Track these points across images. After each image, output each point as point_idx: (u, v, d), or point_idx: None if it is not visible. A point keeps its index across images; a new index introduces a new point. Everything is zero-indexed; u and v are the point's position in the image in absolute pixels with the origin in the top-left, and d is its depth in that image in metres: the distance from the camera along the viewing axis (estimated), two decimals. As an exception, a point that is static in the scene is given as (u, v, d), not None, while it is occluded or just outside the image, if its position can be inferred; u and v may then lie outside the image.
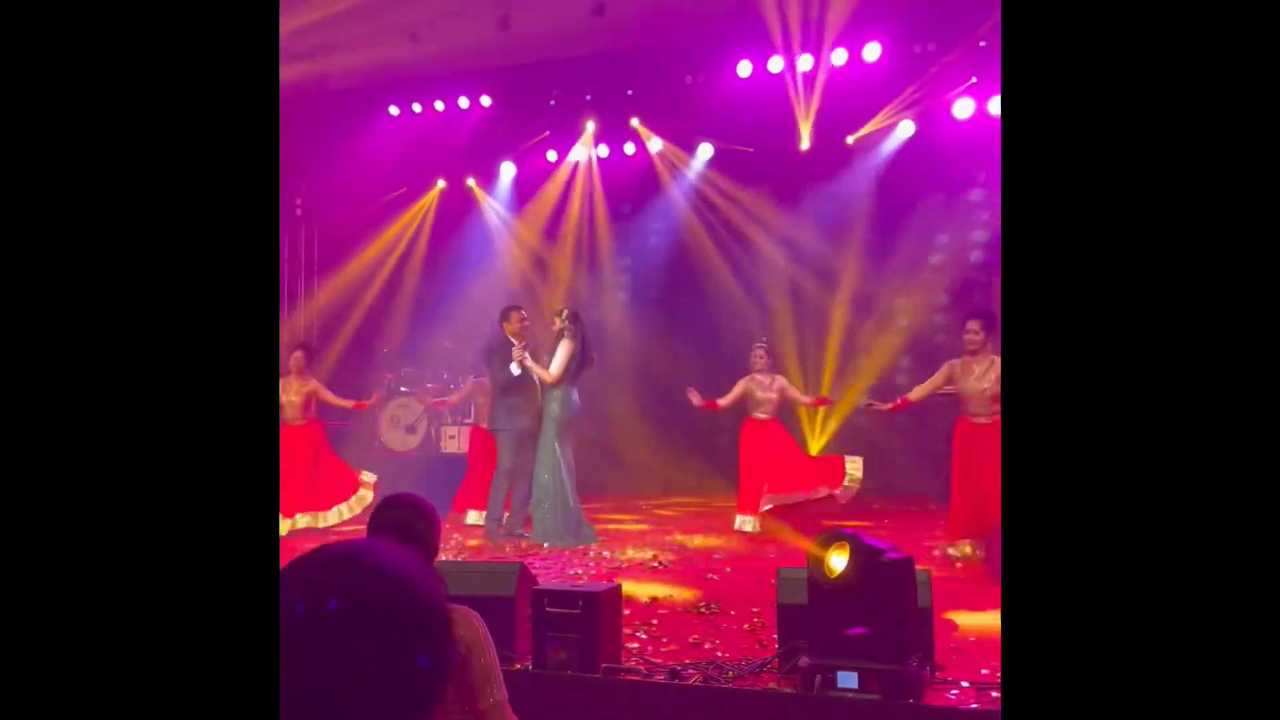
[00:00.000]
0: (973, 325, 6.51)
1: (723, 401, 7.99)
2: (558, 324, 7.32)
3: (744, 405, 7.97)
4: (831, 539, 3.52)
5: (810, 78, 9.43)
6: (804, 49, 9.34)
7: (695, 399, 7.94)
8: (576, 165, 10.92)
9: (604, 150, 10.78)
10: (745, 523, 7.67)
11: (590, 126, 10.50)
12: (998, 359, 6.45)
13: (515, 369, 7.27)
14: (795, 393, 8.01)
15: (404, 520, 2.42)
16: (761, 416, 7.88)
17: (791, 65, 9.41)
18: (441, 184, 11.20)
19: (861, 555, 3.40)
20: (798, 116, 9.59)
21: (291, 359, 8.03)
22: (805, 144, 9.70)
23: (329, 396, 8.32)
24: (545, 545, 7.02)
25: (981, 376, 6.44)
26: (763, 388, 7.87)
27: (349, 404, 8.53)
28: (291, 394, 7.94)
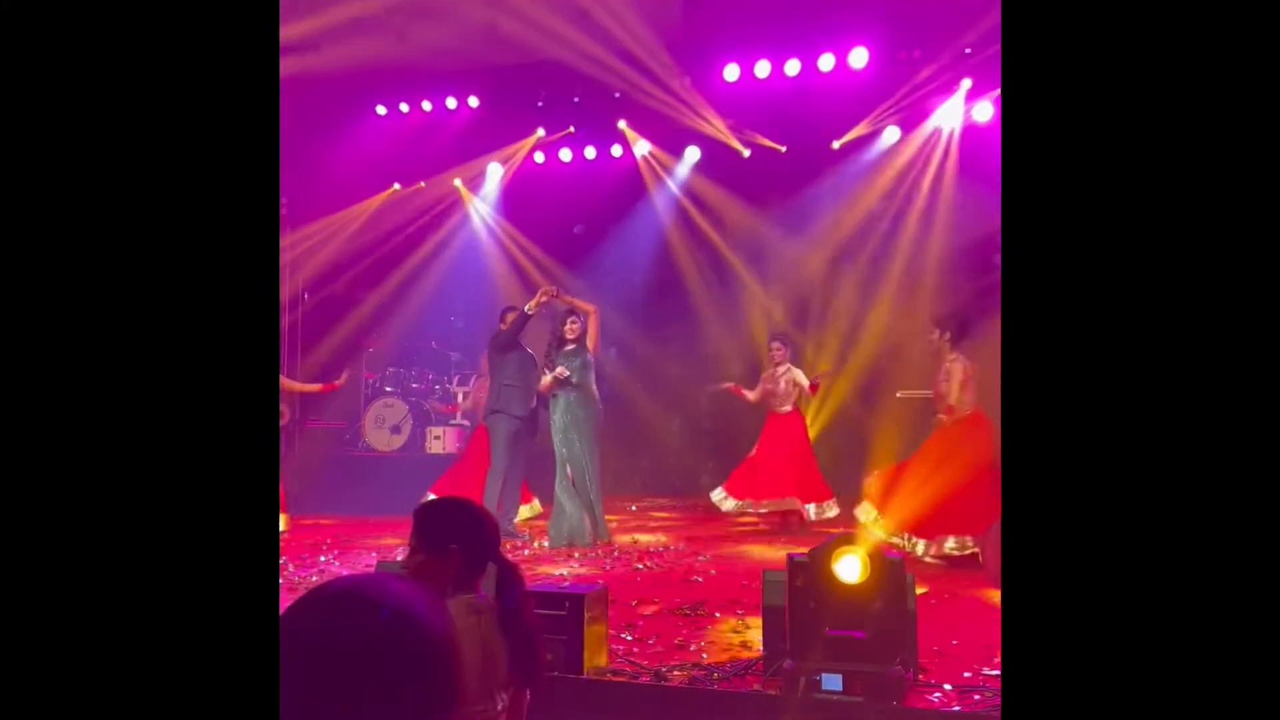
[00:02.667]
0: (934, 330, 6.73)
1: (750, 395, 8.16)
2: (576, 332, 7.36)
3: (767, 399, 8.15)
4: (842, 541, 3.50)
5: (797, 83, 9.48)
6: (791, 54, 9.39)
7: (729, 387, 8.27)
8: (565, 166, 10.93)
9: (591, 152, 10.79)
10: (724, 501, 7.86)
11: (570, 129, 10.53)
12: (951, 363, 6.54)
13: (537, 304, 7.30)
14: (799, 377, 8.04)
15: (460, 526, 2.35)
16: (781, 410, 7.99)
17: (779, 70, 9.47)
18: (421, 184, 11.20)
19: (879, 559, 3.40)
20: (792, 119, 9.64)
21: None
22: (783, 148, 9.77)
23: (295, 385, 8.45)
24: (546, 545, 7.10)
25: (945, 378, 6.57)
26: (772, 381, 7.99)
27: (316, 387, 8.65)
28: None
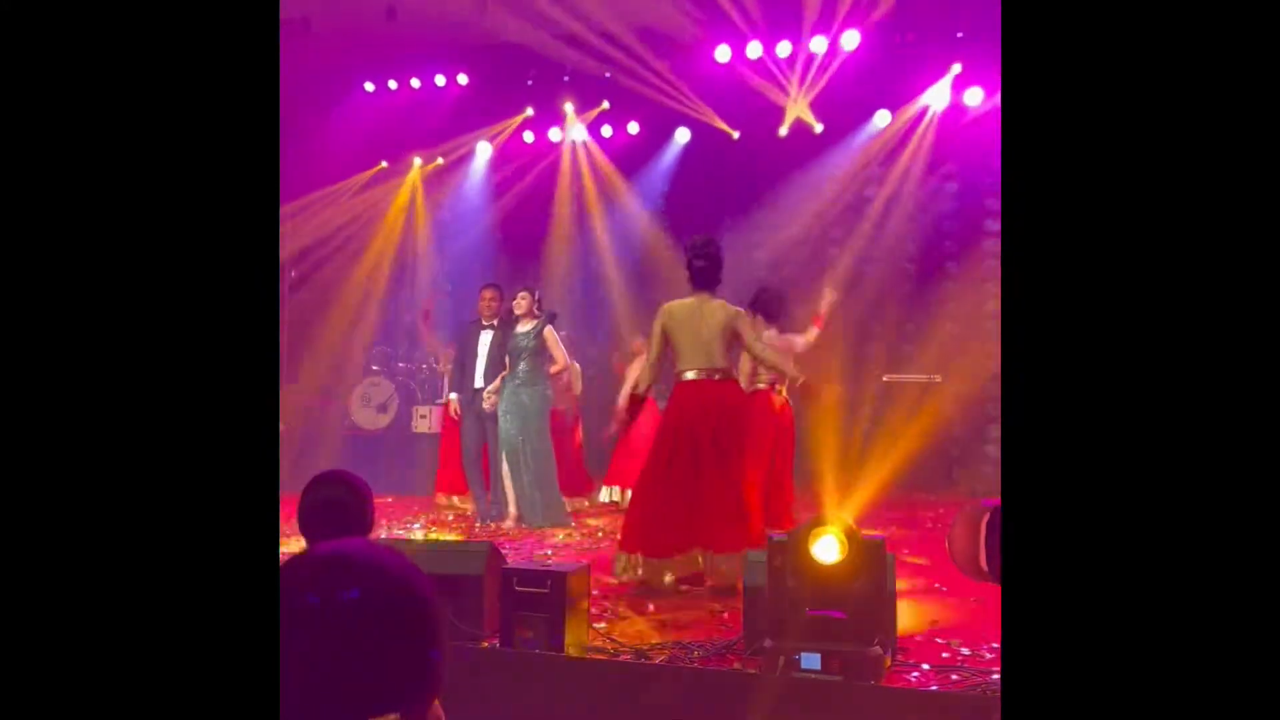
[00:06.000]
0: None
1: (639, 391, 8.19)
2: (525, 305, 7.21)
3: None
4: (819, 522, 3.52)
5: (790, 64, 9.45)
6: (783, 36, 9.36)
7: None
8: (552, 146, 10.89)
9: (582, 133, 10.76)
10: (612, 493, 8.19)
11: (569, 108, 10.48)
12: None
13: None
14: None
15: (338, 498, 2.40)
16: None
17: (770, 51, 9.44)
18: (418, 161, 11.16)
19: (855, 541, 3.43)
20: (783, 103, 9.58)
21: None
22: (784, 130, 9.74)
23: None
24: (508, 524, 7.11)
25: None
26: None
27: None
28: None
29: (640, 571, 4.87)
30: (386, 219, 11.24)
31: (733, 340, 5.12)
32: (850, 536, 3.41)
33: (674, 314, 5.11)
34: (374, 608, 1.06)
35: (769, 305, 6.36)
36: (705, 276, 5.14)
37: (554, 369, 7.26)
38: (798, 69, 9.41)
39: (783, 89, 9.55)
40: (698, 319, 5.05)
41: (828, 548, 3.41)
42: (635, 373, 7.59)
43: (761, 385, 6.24)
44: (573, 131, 10.67)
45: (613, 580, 5.04)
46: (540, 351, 7.17)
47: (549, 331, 7.18)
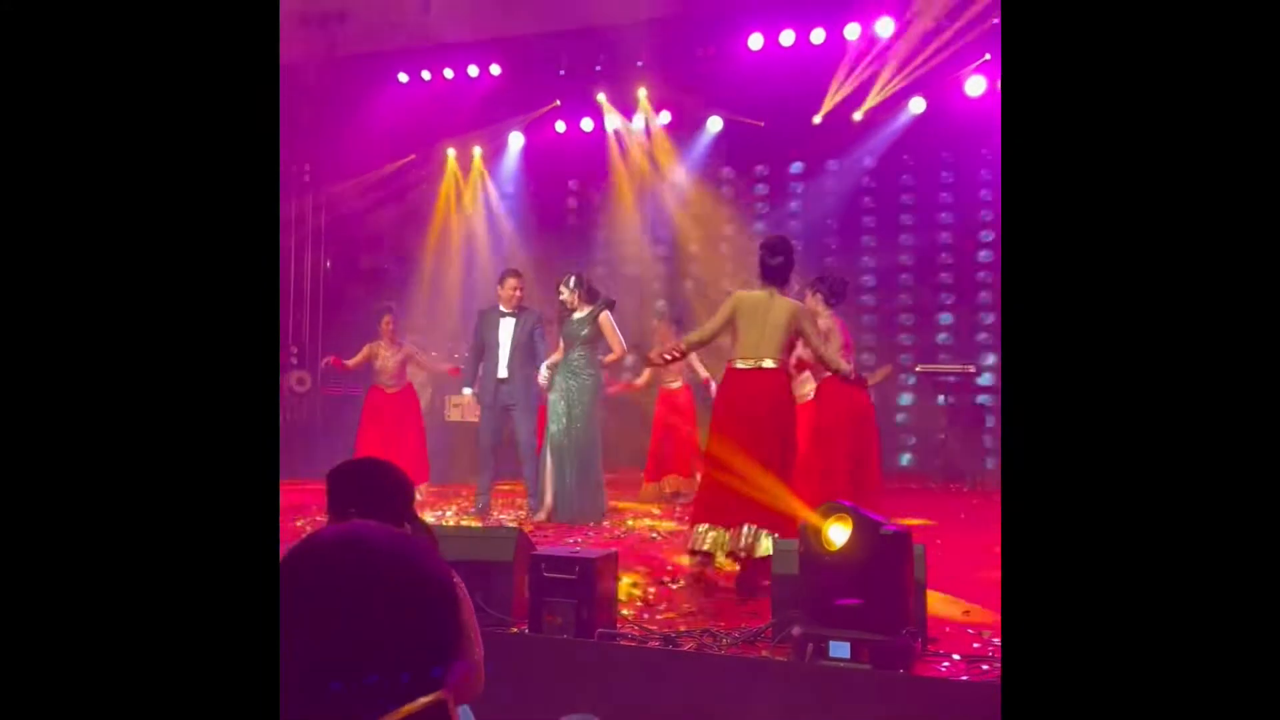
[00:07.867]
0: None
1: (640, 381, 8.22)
2: (566, 294, 7.00)
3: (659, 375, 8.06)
4: (831, 510, 3.57)
5: (823, 52, 9.37)
6: (818, 23, 9.28)
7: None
8: (588, 136, 10.89)
9: (616, 120, 10.74)
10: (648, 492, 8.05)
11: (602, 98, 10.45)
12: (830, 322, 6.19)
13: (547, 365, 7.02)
14: (697, 364, 7.83)
15: (387, 487, 2.37)
16: (671, 386, 8.14)
17: (805, 39, 9.36)
18: (451, 152, 11.21)
19: (863, 528, 3.44)
20: (818, 89, 9.48)
21: (382, 323, 8.13)
22: (818, 118, 9.66)
23: (424, 361, 8.52)
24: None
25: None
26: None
27: (445, 368, 8.82)
28: (385, 359, 8.07)
29: (708, 544, 4.83)
30: (439, 207, 11.32)
31: (795, 338, 5.15)
32: (859, 524, 3.41)
33: (744, 303, 5.15)
34: (375, 584, 1.07)
35: (832, 288, 6.38)
36: (778, 273, 5.16)
37: (609, 358, 7.06)
38: (832, 55, 9.28)
39: (815, 76, 9.44)
40: (765, 312, 5.08)
41: (839, 534, 3.43)
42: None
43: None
44: (610, 120, 10.63)
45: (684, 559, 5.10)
46: (595, 339, 6.94)
47: (605, 318, 6.91)
